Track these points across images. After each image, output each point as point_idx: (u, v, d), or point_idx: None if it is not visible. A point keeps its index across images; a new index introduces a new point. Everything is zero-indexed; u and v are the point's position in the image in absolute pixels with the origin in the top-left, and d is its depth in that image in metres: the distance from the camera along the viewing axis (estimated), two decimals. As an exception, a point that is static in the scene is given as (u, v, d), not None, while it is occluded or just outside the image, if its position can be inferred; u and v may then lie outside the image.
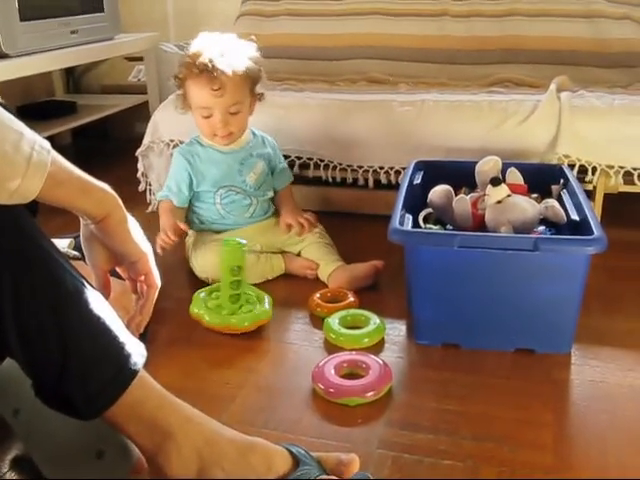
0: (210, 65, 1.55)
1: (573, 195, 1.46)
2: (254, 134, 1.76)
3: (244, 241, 1.44)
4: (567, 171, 1.57)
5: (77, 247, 1.21)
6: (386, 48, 2.46)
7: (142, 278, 0.97)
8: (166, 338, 1.42)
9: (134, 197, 2.13)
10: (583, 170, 1.81)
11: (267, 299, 1.48)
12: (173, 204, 1.69)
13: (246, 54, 1.63)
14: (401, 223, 1.33)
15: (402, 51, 2.45)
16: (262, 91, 1.70)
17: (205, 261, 1.62)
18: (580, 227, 1.32)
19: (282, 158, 1.83)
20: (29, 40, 2.13)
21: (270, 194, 1.76)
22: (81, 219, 0.92)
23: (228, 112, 1.62)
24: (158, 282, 0.98)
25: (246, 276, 1.50)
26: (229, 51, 1.60)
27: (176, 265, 1.73)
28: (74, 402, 0.84)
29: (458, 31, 2.42)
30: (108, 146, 3.05)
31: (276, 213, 1.78)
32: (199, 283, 1.62)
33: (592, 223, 1.26)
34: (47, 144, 0.79)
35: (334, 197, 2.07)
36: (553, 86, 1.93)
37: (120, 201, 0.92)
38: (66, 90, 3.10)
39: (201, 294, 1.49)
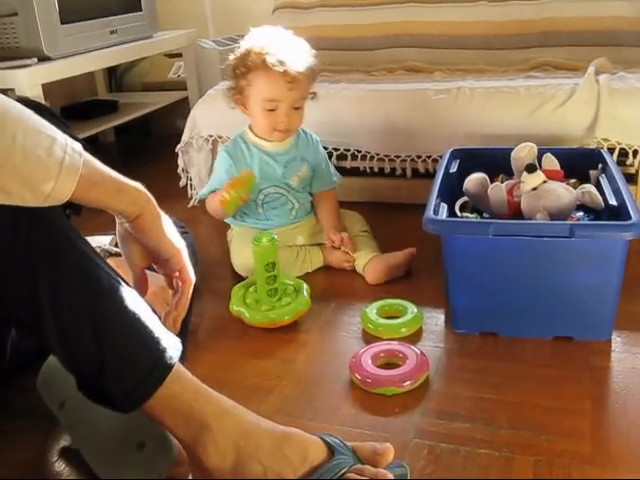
0: (286, 58, 1.56)
1: (612, 180, 1.43)
2: (299, 132, 1.74)
3: (275, 236, 1.45)
4: (605, 155, 1.55)
5: (118, 244, 1.24)
6: (422, 36, 2.44)
7: (177, 274, 1.00)
8: (207, 330, 1.45)
9: (177, 192, 2.17)
10: (624, 153, 1.77)
11: (305, 288, 1.50)
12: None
13: (308, 51, 1.63)
14: (436, 212, 1.33)
15: (439, 38, 2.42)
16: (314, 90, 1.71)
17: (242, 259, 1.63)
18: (619, 212, 1.30)
19: (326, 160, 1.80)
20: (70, 42, 2.18)
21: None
22: (116, 218, 0.95)
23: (293, 106, 1.62)
24: (192, 277, 1.01)
25: (287, 271, 1.52)
26: (296, 47, 1.61)
27: (216, 258, 1.75)
28: (113, 396, 0.87)
29: (495, 16, 2.38)
30: (151, 143, 3.10)
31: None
32: (239, 276, 1.64)
33: (630, 208, 1.24)
34: (79, 146, 0.82)
35: (372, 187, 2.07)
36: (591, 69, 1.90)
37: (153, 199, 0.93)
38: (108, 89, 3.16)
39: (240, 291, 1.51)
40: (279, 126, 1.63)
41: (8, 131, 0.76)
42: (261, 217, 1.72)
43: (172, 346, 0.90)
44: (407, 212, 1.93)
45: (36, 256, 0.85)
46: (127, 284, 0.92)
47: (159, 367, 0.88)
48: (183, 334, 1.01)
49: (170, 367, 0.88)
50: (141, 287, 0.99)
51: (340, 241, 1.64)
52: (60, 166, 0.79)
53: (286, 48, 1.59)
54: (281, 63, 1.55)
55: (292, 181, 1.71)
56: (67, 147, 0.80)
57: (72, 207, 1.04)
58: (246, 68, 1.61)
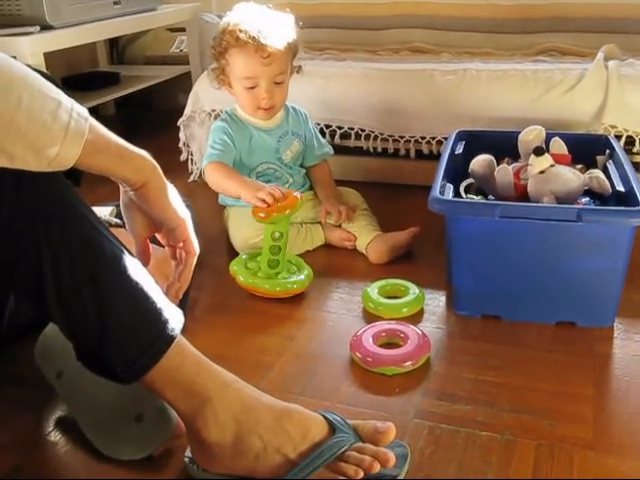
0: (258, 34, 1.53)
1: (619, 166, 1.42)
2: (288, 109, 1.73)
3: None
4: (613, 141, 1.53)
5: (119, 215, 1.22)
6: (430, 17, 2.41)
7: (181, 245, 0.98)
8: (206, 305, 1.44)
9: (177, 167, 2.15)
10: (630, 141, 1.76)
11: (307, 272, 1.48)
12: (225, 165, 1.58)
13: (287, 25, 1.61)
14: (442, 193, 1.32)
15: (446, 20, 2.40)
16: (299, 64, 1.69)
17: (240, 238, 1.61)
18: (626, 198, 1.28)
19: (317, 133, 1.79)
20: (73, 11, 2.15)
21: (304, 170, 1.76)
22: (120, 186, 0.93)
23: (273, 82, 1.60)
24: (197, 249, 0.99)
25: (288, 247, 1.50)
26: (272, 22, 1.58)
27: (216, 233, 1.74)
28: (113, 367, 0.86)
29: (504, -1, 2.36)
30: (151, 116, 3.08)
31: (312, 187, 1.76)
32: (237, 253, 1.62)
33: (638, 194, 1.22)
34: (85, 111, 0.80)
35: (375, 167, 2.06)
36: (600, 54, 1.88)
37: (159, 168, 0.92)
38: (110, 61, 3.13)
39: (243, 256, 1.51)
40: (261, 103, 1.61)
41: (14, 93, 0.74)
42: None
43: (174, 318, 0.89)
44: (409, 193, 1.93)
45: (39, 223, 0.83)
46: (130, 253, 0.90)
47: (161, 338, 0.86)
48: (183, 307, 1.00)
49: (172, 339, 0.87)
50: (144, 257, 0.97)
51: (338, 215, 1.63)
52: (66, 130, 0.76)
53: (261, 23, 1.56)
54: (253, 39, 1.53)
55: (285, 156, 1.69)
56: (73, 111, 0.78)
57: (72, 177, 1.02)
58: (222, 47, 1.60)
